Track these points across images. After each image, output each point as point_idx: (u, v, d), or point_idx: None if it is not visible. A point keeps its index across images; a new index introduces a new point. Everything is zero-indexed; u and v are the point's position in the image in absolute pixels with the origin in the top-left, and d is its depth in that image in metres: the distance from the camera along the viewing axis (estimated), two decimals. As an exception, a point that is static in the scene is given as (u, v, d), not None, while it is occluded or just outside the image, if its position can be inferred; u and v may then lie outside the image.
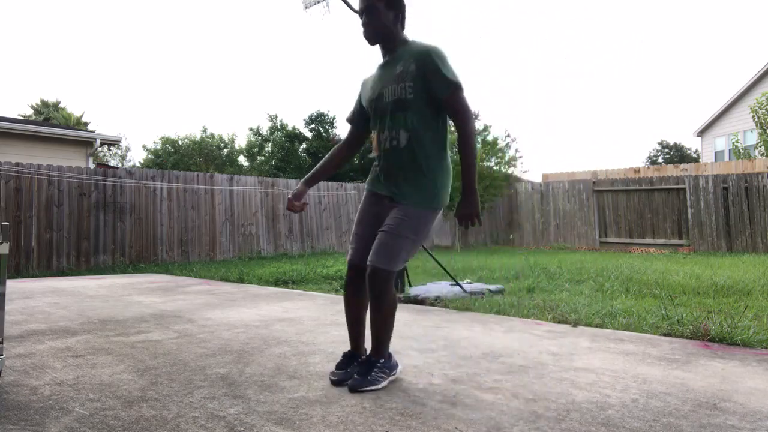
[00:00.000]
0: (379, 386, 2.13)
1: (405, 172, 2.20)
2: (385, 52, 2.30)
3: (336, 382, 2.20)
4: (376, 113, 2.27)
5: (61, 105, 27.17)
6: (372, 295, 2.14)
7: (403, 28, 2.30)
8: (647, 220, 12.53)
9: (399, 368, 2.31)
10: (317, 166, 2.53)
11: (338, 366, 2.31)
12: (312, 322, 3.63)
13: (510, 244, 14.75)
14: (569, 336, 3.17)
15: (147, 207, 9.82)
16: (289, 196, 2.46)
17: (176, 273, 7.89)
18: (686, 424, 1.78)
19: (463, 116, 2.15)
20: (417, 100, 2.15)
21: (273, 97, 48.78)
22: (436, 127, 2.22)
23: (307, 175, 2.51)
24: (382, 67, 2.31)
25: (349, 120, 2.52)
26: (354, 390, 2.09)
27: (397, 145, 2.19)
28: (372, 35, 2.25)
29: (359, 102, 2.44)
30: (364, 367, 2.17)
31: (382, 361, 2.19)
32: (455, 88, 2.13)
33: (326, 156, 2.53)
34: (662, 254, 10.81)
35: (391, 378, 2.22)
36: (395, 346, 2.89)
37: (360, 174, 21.34)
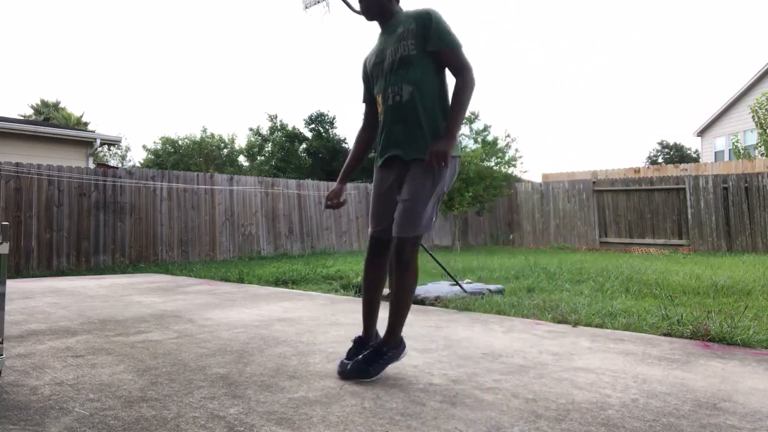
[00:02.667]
0: (373, 378, 2.18)
1: (410, 125, 2.22)
2: (380, 22, 2.38)
3: (341, 372, 2.23)
4: (380, 75, 2.31)
5: (61, 105, 27.19)
6: (398, 264, 2.20)
7: (398, 2, 2.38)
8: (647, 220, 12.53)
9: (405, 351, 2.36)
10: (347, 162, 2.56)
11: (348, 354, 2.33)
12: (312, 322, 3.63)
13: (510, 244, 14.75)
14: (569, 336, 3.17)
15: (147, 207, 9.82)
16: (329, 194, 2.50)
17: (176, 273, 7.89)
18: (686, 424, 1.78)
19: (462, 70, 2.20)
20: (419, 56, 2.21)
21: (273, 97, 48.79)
22: (439, 79, 2.27)
23: (341, 174, 2.54)
24: (381, 35, 2.38)
25: (364, 99, 2.54)
26: (347, 378, 2.13)
27: (400, 99, 2.23)
28: (367, 10, 2.33)
29: (365, 78, 2.48)
30: (371, 354, 2.21)
31: (390, 353, 2.24)
32: (455, 44, 2.21)
33: (352, 149, 2.56)
34: (662, 254, 10.80)
35: (395, 362, 2.27)
36: (395, 346, 2.89)
37: (360, 174, 21.35)
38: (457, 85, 2.20)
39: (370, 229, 2.38)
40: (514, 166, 14.64)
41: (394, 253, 2.20)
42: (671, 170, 14.22)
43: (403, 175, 2.26)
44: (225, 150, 24.28)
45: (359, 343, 2.36)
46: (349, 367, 2.19)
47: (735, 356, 2.68)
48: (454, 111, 2.18)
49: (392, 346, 2.27)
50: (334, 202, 2.48)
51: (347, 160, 2.56)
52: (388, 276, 2.29)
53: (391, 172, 2.31)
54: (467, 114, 16.76)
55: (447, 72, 2.31)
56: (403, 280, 2.22)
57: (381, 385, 2.20)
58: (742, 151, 16.84)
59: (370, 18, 2.36)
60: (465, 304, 4.29)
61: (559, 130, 60.21)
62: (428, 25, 2.20)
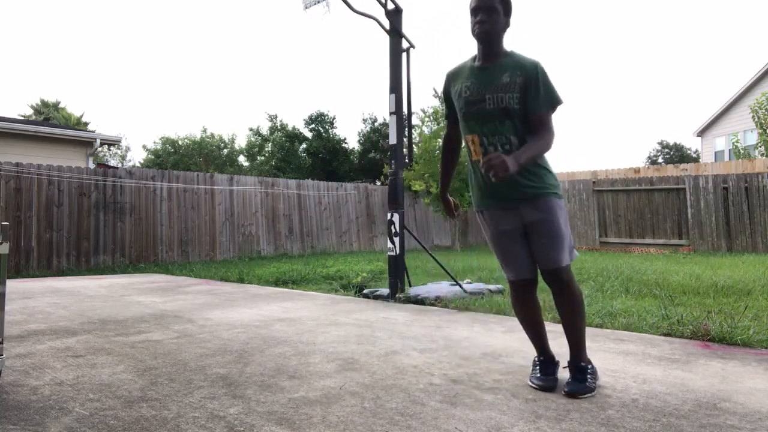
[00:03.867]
0: (594, 392, 2.15)
1: (521, 172, 2.20)
2: (486, 55, 2.27)
3: (544, 388, 2.20)
4: (475, 116, 2.26)
5: (61, 105, 27.18)
6: (559, 289, 2.20)
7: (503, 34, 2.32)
8: (647, 220, 12.53)
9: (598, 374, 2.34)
10: (443, 175, 2.62)
11: (544, 371, 2.29)
12: (312, 322, 3.63)
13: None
14: (569, 336, 3.16)
15: (147, 207, 9.82)
16: (444, 210, 2.63)
17: (176, 273, 7.89)
18: (686, 424, 1.78)
19: (548, 134, 2.19)
20: (521, 110, 2.20)
21: (273, 97, 48.78)
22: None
23: (442, 187, 2.63)
24: (481, 71, 2.27)
25: (448, 117, 2.50)
26: (574, 395, 2.10)
27: (510, 149, 2.20)
28: (485, 34, 2.22)
29: (449, 97, 2.42)
30: (579, 374, 2.20)
31: (590, 366, 2.24)
32: (549, 106, 2.19)
33: (444, 161, 2.59)
34: (662, 254, 10.81)
35: (597, 384, 2.23)
36: (395, 346, 2.90)
37: (360, 174, 21.36)
38: (537, 136, 2.18)
39: (512, 277, 2.31)
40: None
41: (553, 282, 2.20)
42: (671, 170, 14.22)
43: (521, 215, 2.23)
44: (225, 150, 24.27)
45: (544, 363, 2.33)
46: (567, 388, 2.15)
47: (735, 356, 2.67)
48: (531, 149, 2.13)
49: (588, 362, 2.26)
50: (454, 212, 2.61)
51: (444, 174, 2.62)
52: (556, 305, 2.28)
53: (507, 214, 2.27)
54: None
55: None
56: (572, 304, 2.22)
57: (381, 385, 2.20)
58: (742, 151, 16.84)
59: (483, 42, 2.25)
60: (465, 304, 4.28)
61: (559, 130, 60.19)
62: (535, 81, 2.16)
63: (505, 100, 2.18)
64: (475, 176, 2.33)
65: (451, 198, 2.63)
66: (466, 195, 12.58)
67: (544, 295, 4.69)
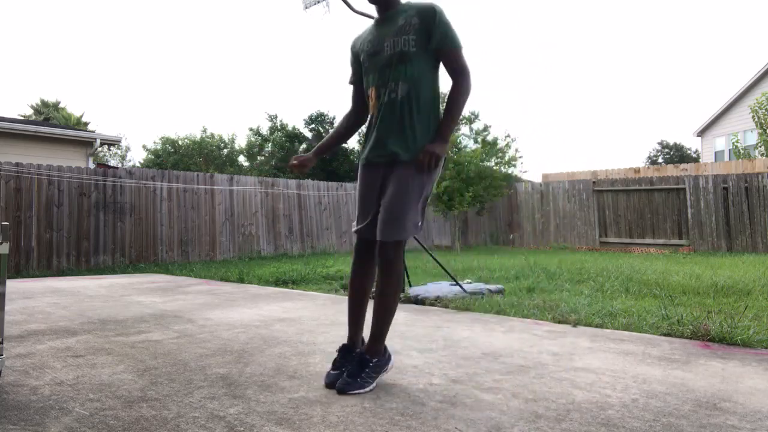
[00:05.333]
0: (367, 389, 2.10)
1: (402, 126, 2.16)
2: (381, 10, 2.28)
3: (328, 384, 2.15)
4: (374, 67, 2.23)
5: (61, 105, 27.18)
6: (380, 268, 2.15)
7: None
8: (647, 220, 12.53)
9: (391, 363, 2.28)
10: (326, 138, 2.50)
11: (334, 364, 2.25)
12: (312, 322, 3.63)
13: (510, 244, 14.75)
14: (569, 336, 3.17)
15: (147, 207, 9.82)
16: (298, 156, 2.41)
17: (176, 273, 7.89)
18: (686, 424, 1.78)
19: (462, 72, 2.16)
20: (419, 52, 2.15)
21: (273, 97, 48.78)
22: (435, 79, 2.22)
23: (317, 146, 2.47)
24: (379, 24, 2.29)
25: (352, 81, 2.46)
26: (342, 392, 2.06)
27: (396, 97, 2.16)
28: None
29: (354, 62, 2.40)
30: (355, 367, 2.13)
31: (375, 360, 2.16)
32: (457, 44, 2.15)
33: (335, 128, 2.50)
34: (662, 254, 10.80)
35: (382, 374, 2.19)
36: (395, 346, 2.89)
37: (360, 174, 21.31)
38: (454, 88, 2.16)
39: (354, 228, 2.29)
40: (514, 166, 14.64)
41: (378, 257, 2.15)
42: (671, 170, 14.22)
43: (389, 176, 2.19)
44: (225, 150, 24.27)
45: (344, 351, 2.26)
46: (337, 386, 2.09)
47: (735, 356, 2.67)
48: (450, 113, 2.14)
49: (376, 355, 2.17)
50: (295, 163, 2.39)
51: (327, 138, 2.50)
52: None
53: (378, 172, 2.23)
54: (467, 114, 16.60)
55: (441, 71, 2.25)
56: (385, 284, 2.15)
57: (381, 385, 2.20)
58: (742, 151, 16.84)
59: (372, 0, 2.25)
60: (465, 304, 4.28)
61: (559, 130, 60.22)
62: (432, 20, 2.12)
63: (399, 44, 2.15)
64: (367, 128, 2.30)
65: (311, 158, 2.40)
66: (467, 195, 12.58)
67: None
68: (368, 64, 2.27)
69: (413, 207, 2.15)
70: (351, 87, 2.49)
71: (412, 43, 2.14)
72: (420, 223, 2.21)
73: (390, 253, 2.12)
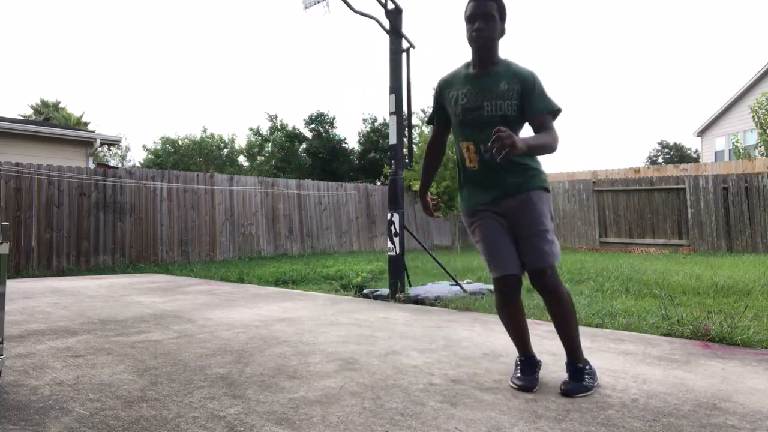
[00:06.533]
0: (592, 391, 2.15)
1: (511, 173, 2.23)
2: (483, 62, 2.26)
3: (524, 387, 2.18)
4: (473, 125, 2.26)
5: (61, 105, 27.18)
6: (547, 292, 2.18)
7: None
8: (647, 220, 12.53)
9: (598, 375, 2.31)
10: (424, 176, 2.60)
11: (524, 371, 2.27)
12: (312, 322, 3.63)
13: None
14: (569, 336, 3.16)
15: (147, 207, 9.82)
16: (424, 209, 2.59)
17: (176, 273, 7.89)
18: (686, 424, 1.78)
19: (553, 131, 2.20)
20: (518, 116, 2.21)
21: (273, 97, 48.77)
22: None
23: (422, 185, 2.61)
24: (477, 78, 2.27)
25: (432, 121, 2.51)
26: (570, 394, 2.10)
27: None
28: (483, 42, 2.22)
29: (440, 102, 2.42)
30: (576, 374, 2.19)
31: (588, 366, 2.23)
32: (549, 111, 2.20)
33: (424, 167, 2.59)
34: (662, 254, 10.80)
35: (595, 384, 2.22)
36: (395, 346, 2.90)
37: (360, 174, 21.35)
38: (546, 133, 2.19)
39: (498, 273, 2.25)
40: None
41: (539, 284, 2.17)
42: (671, 170, 14.21)
43: (511, 210, 2.23)
44: (225, 150, 24.27)
45: (526, 361, 2.31)
46: (564, 387, 2.14)
47: (735, 356, 2.67)
48: (540, 139, 2.16)
49: (585, 363, 2.25)
50: (433, 212, 2.58)
51: (425, 176, 2.60)
52: (547, 308, 2.27)
53: (495, 216, 2.27)
54: None
55: None
56: (562, 307, 2.19)
57: (381, 385, 2.20)
58: (742, 151, 16.83)
59: (479, 49, 2.24)
60: (465, 304, 4.28)
61: (559, 130, 60.14)
62: (532, 88, 2.18)
63: (503, 108, 2.19)
64: (465, 178, 2.34)
65: (431, 198, 2.60)
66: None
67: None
68: (464, 118, 2.28)
69: (550, 232, 2.21)
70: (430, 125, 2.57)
71: (514, 108, 2.19)
72: (558, 250, 2.25)
73: (552, 277, 2.16)
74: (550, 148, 2.17)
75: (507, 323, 2.34)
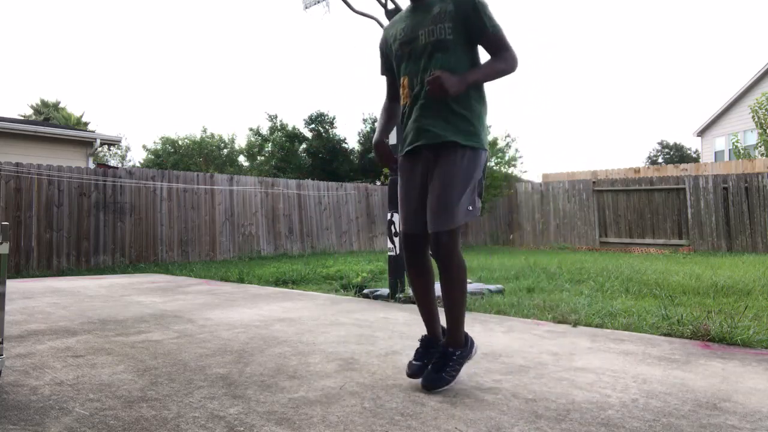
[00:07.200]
0: (452, 383, 2.09)
1: (444, 113, 2.09)
2: None
3: (411, 375, 2.14)
4: (410, 56, 2.16)
5: (61, 105, 27.19)
6: (440, 261, 2.07)
7: None
8: (647, 220, 12.53)
9: (476, 349, 2.24)
10: (382, 122, 2.39)
11: (416, 355, 2.21)
12: (312, 322, 3.63)
13: (510, 244, 14.75)
14: (569, 336, 3.17)
15: (147, 207, 9.82)
16: (381, 158, 2.31)
17: (176, 273, 7.89)
18: (686, 424, 1.78)
19: (506, 51, 2.08)
20: (456, 40, 2.08)
21: (273, 97, 48.79)
22: (475, 66, 2.14)
23: (379, 131, 2.35)
24: (412, 11, 2.21)
25: (384, 72, 2.39)
26: (430, 389, 2.06)
27: None
28: None
29: (385, 51, 2.33)
30: (440, 361, 2.11)
31: (458, 352, 2.14)
32: (498, 27, 2.08)
33: (381, 118, 2.40)
34: (662, 254, 10.80)
35: (468, 361, 2.17)
36: (395, 346, 2.90)
37: (360, 174, 21.34)
38: (497, 58, 2.08)
39: (402, 227, 2.19)
40: (514, 166, 14.65)
41: (433, 249, 2.06)
42: (671, 170, 14.21)
43: (433, 165, 2.11)
44: (225, 150, 24.27)
45: (427, 343, 2.23)
46: (423, 381, 2.09)
47: (735, 356, 2.67)
48: (482, 68, 2.05)
49: (458, 346, 2.16)
50: (393, 157, 2.33)
51: (384, 123, 2.39)
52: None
53: (419, 162, 2.17)
54: None
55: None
56: (450, 276, 2.08)
57: (381, 385, 2.20)
58: (742, 151, 16.84)
59: None
60: (465, 304, 4.28)
61: (559, 130, 60.23)
62: (469, 6, 2.06)
63: (435, 32, 2.09)
64: (403, 120, 2.23)
65: (387, 145, 2.34)
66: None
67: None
68: (401, 52, 2.20)
69: (463, 192, 2.05)
70: (384, 78, 2.41)
71: (449, 30, 2.07)
72: (472, 209, 2.09)
73: (445, 243, 2.03)
74: (503, 72, 2.07)
75: (412, 288, 2.26)
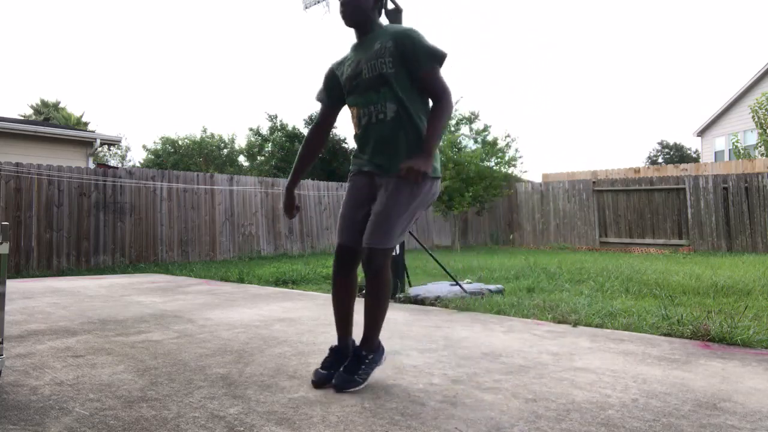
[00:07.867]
0: (363, 385, 2.14)
1: (394, 143, 2.19)
2: (358, 33, 2.33)
3: (316, 382, 2.17)
4: (357, 90, 2.27)
5: (61, 105, 27.19)
6: (369, 274, 2.16)
7: (379, 15, 2.38)
8: (647, 220, 12.53)
9: (384, 355, 2.31)
10: (296, 164, 2.50)
11: (323, 364, 2.26)
12: (312, 322, 3.63)
13: (510, 244, 14.75)
14: (569, 336, 3.17)
15: (147, 207, 9.82)
16: (284, 206, 2.47)
17: (176, 273, 7.89)
18: (686, 424, 1.78)
19: (441, 93, 2.17)
20: (398, 74, 2.17)
21: (273, 97, 48.80)
22: (422, 100, 2.24)
23: (289, 180, 2.49)
24: (357, 47, 2.33)
25: (320, 99, 2.50)
26: (341, 390, 2.09)
27: (384, 117, 2.20)
28: (350, 15, 2.28)
29: (329, 81, 2.43)
30: (352, 364, 2.17)
31: (371, 356, 2.21)
32: (433, 62, 2.16)
33: (301, 149, 2.50)
34: (662, 254, 10.80)
35: (377, 367, 2.24)
36: (395, 346, 2.90)
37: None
38: (435, 107, 2.18)
39: (338, 238, 2.29)
40: (514, 166, 14.63)
41: (365, 262, 2.16)
42: (671, 170, 14.21)
43: (378, 188, 2.23)
44: (225, 150, 24.26)
45: (336, 352, 2.29)
46: (334, 381, 2.13)
47: (735, 356, 2.67)
48: (432, 131, 2.14)
49: (371, 351, 2.23)
50: (293, 213, 2.46)
51: (297, 164, 2.49)
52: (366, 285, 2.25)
53: (367, 183, 2.28)
54: (467, 114, 16.45)
55: None
56: (376, 290, 2.18)
57: (381, 385, 2.20)
58: (742, 151, 16.84)
59: (349, 24, 2.30)
60: (465, 304, 4.28)
61: (559, 130, 60.25)
62: (406, 47, 2.15)
63: (377, 67, 2.19)
64: (358, 146, 2.34)
65: (293, 198, 2.46)
66: (467, 195, 12.58)
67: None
68: (349, 87, 2.31)
69: (400, 218, 2.16)
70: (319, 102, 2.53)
71: (389, 64, 2.17)
72: (401, 235, 2.22)
73: (378, 259, 2.15)
74: (446, 123, 2.17)
75: (333, 294, 2.33)
